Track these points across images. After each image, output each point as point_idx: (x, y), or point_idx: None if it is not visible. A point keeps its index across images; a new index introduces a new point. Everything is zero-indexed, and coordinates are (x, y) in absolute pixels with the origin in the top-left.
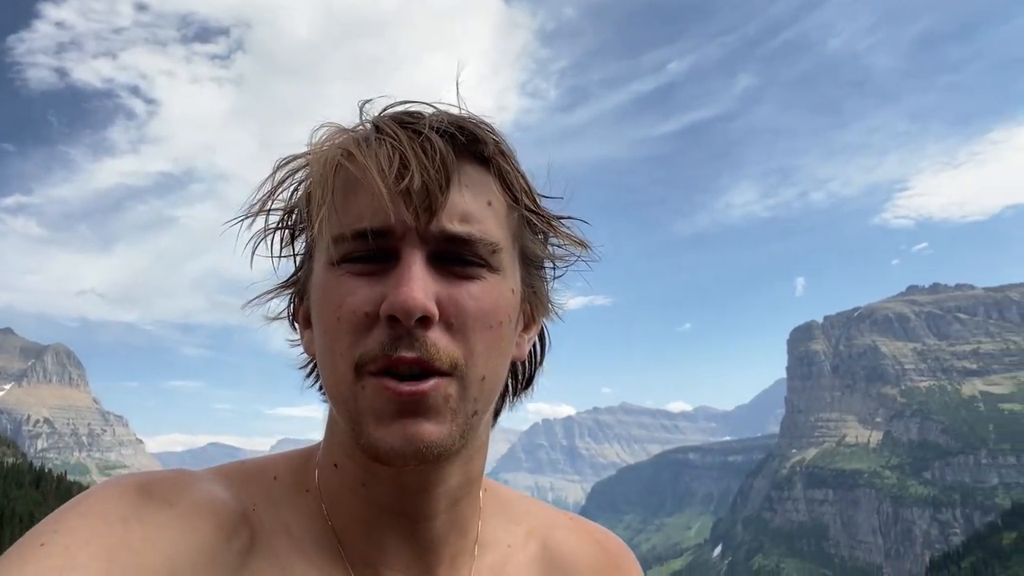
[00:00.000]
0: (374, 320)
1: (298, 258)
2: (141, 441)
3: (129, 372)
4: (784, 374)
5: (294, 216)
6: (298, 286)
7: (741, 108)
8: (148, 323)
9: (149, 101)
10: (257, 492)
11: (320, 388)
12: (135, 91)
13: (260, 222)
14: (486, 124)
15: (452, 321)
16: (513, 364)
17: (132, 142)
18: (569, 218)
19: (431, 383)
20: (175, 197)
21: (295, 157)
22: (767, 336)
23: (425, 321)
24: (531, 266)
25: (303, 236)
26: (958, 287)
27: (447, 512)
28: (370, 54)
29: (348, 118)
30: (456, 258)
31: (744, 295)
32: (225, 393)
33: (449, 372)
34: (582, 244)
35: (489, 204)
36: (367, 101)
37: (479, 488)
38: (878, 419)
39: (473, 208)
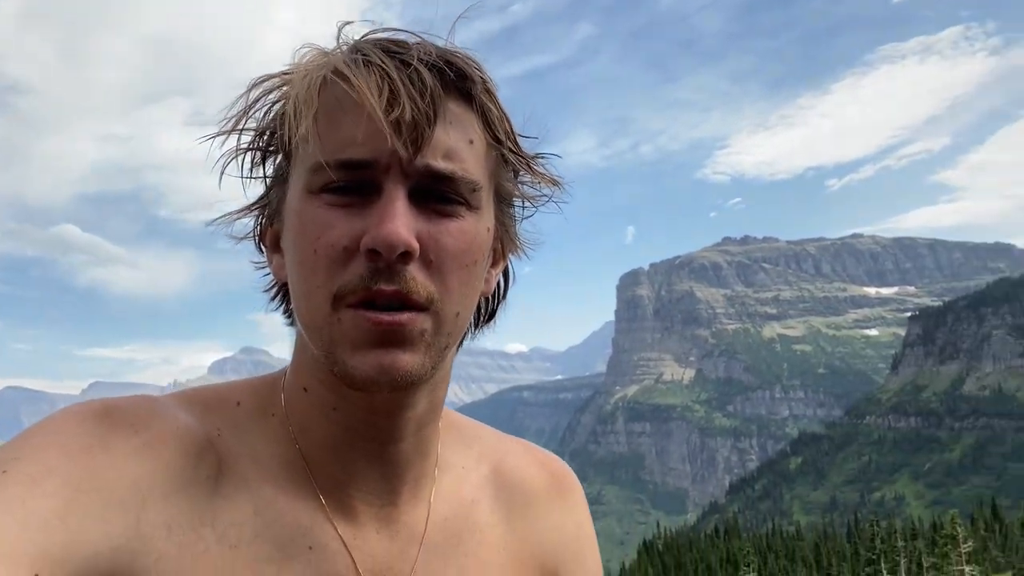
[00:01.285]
0: (353, 253)
1: (268, 180)
2: None
3: None
4: (613, 317)
5: (265, 138)
6: (267, 209)
7: (582, 56)
8: None
9: None
10: (220, 418)
11: (285, 312)
12: None
13: (232, 141)
14: (473, 60)
15: (431, 258)
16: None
17: None
18: (544, 156)
19: (408, 316)
20: None
21: (272, 76)
22: (600, 281)
23: (406, 256)
24: (504, 204)
25: (274, 159)
26: (765, 240)
27: (414, 436)
28: None
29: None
30: (436, 195)
31: (582, 241)
32: (25, 332)
33: (425, 307)
34: (556, 183)
35: (471, 142)
36: (347, 23)
37: (440, 414)
38: (692, 358)
39: (456, 145)
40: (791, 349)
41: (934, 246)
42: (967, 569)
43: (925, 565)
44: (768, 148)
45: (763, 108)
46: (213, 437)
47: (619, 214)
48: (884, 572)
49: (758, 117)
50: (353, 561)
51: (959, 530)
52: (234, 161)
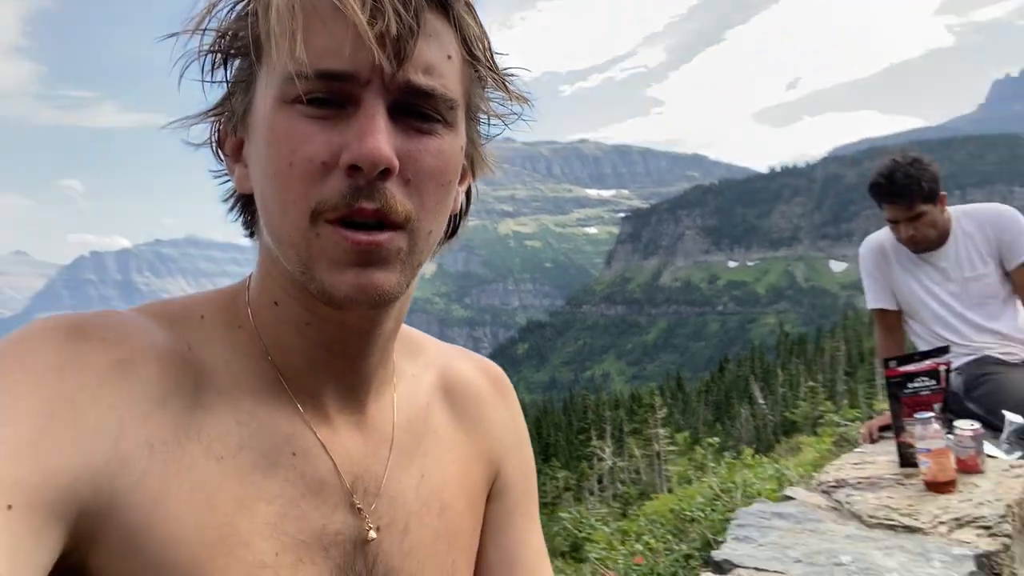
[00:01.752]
0: (331, 167)
1: (229, 85)
2: None
3: None
4: None
5: (228, 39)
6: (230, 116)
7: None
8: None
9: None
10: (187, 332)
11: (245, 224)
12: None
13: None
14: None
15: (410, 176)
16: None
17: None
18: (514, 72)
19: (387, 235)
20: None
21: None
22: None
23: (386, 174)
24: (474, 121)
25: (236, 62)
26: (504, 139)
27: (381, 350)
28: None
29: None
30: (415, 111)
31: None
32: None
33: (402, 225)
34: (526, 100)
35: (449, 58)
36: None
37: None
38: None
39: (436, 60)
40: (523, 245)
41: (645, 154)
42: (661, 431)
43: (626, 430)
44: (508, 47)
45: (506, 8)
46: (184, 351)
47: None
48: (593, 438)
49: (500, 17)
50: (334, 464)
51: (656, 399)
52: (194, 64)
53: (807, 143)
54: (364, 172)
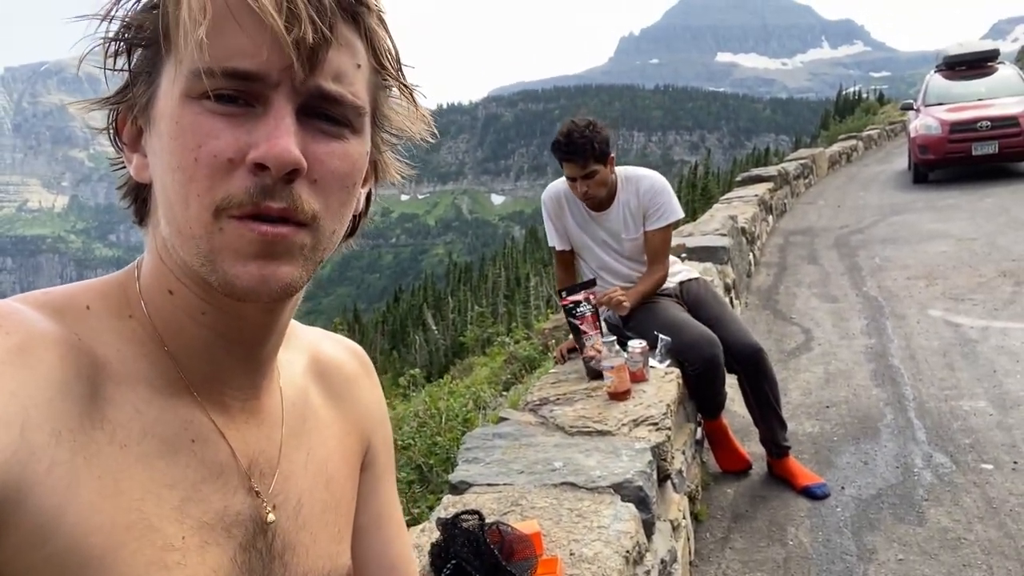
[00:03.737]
0: (237, 165)
1: (131, 74)
2: None
3: None
4: None
5: (133, 30)
6: (130, 105)
7: None
8: None
9: None
10: (74, 322)
11: (137, 212)
12: None
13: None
14: None
15: (316, 178)
16: None
17: None
18: (416, 88)
19: (291, 228)
20: None
21: None
22: None
23: (294, 174)
24: (379, 128)
25: (140, 51)
26: None
27: (276, 339)
28: None
29: None
30: (322, 115)
31: None
32: None
33: (307, 224)
34: (426, 120)
35: (359, 67)
36: None
37: None
38: (64, 183)
39: (346, 68)
40: None
41: None
42: None
43: None
44: None
45: None
46: (74, 341)
47: None
48: None
49: None
50: (231, 449)
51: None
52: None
53: (471, 84)
54: (272, 172)
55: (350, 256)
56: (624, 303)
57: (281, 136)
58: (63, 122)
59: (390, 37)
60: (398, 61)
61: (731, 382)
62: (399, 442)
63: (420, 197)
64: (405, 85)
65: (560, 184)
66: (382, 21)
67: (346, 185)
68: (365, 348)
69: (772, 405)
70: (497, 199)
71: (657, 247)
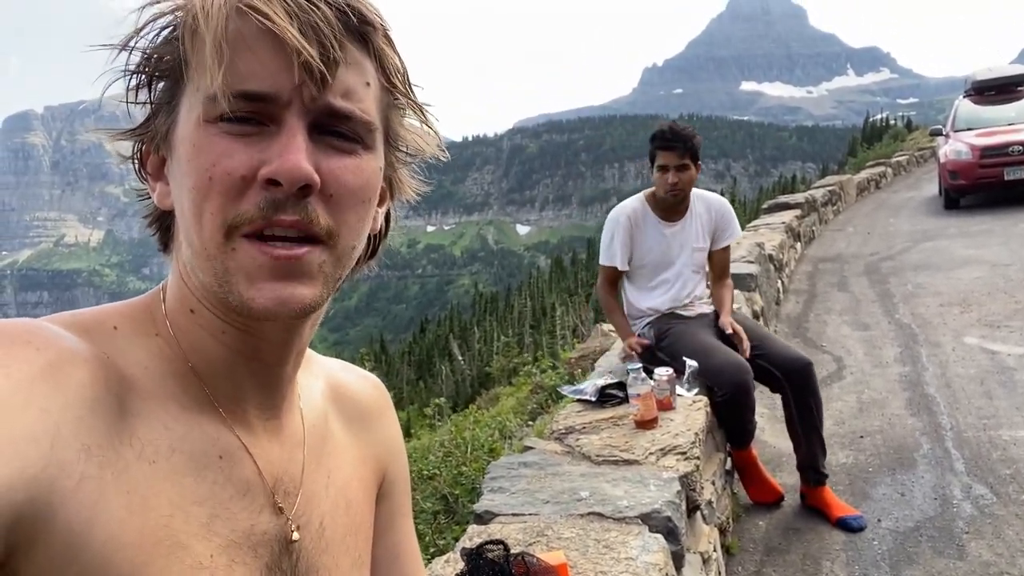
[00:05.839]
0: (250, 183)
1: (153, 105)
2: None
3: None
4: None
5: (153, 61)
6: (152, 135)
7: None
8: None
9: None
10: (102, 341)
11: (162, 240)
12: None
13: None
14: (373, 6)
15: (331, 193)
16: None
17: None
18: (429, 105)
19: (305, 249)
20: None
21: None
22: None
23: (307, 189)
24: (392, 147)
25: (162, 84)
26: None
27: (296, 358)
28: None
29: None
30: (334, 132)
31: None
32: None
33: (324, 240)
34: (437, 136)
35: (368, 84)
36: None
37: None
38: (100, 218)
39: (355, 86)
40: None
41: None
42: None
43: None
44: None
45: None
46: (103, 358)
47: None
48: None
49: None
50: (257, 466)
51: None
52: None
53: (496, 117)
54: (284, 187)
55: (377, 287)
56: (728, 326)
57: (293, 152)
58: (99, 159)
59: (398, 56)
60: (407, 79)
61: (760, 411)
62: (425, 472)
63: (446, 228)
64: (415, 102)
65: (631, 203)
66: (389, 40)
67: (361, 200)
68: (391, 379)
69: (816, 425)
70: (522, 229)
71: (726, 263)
